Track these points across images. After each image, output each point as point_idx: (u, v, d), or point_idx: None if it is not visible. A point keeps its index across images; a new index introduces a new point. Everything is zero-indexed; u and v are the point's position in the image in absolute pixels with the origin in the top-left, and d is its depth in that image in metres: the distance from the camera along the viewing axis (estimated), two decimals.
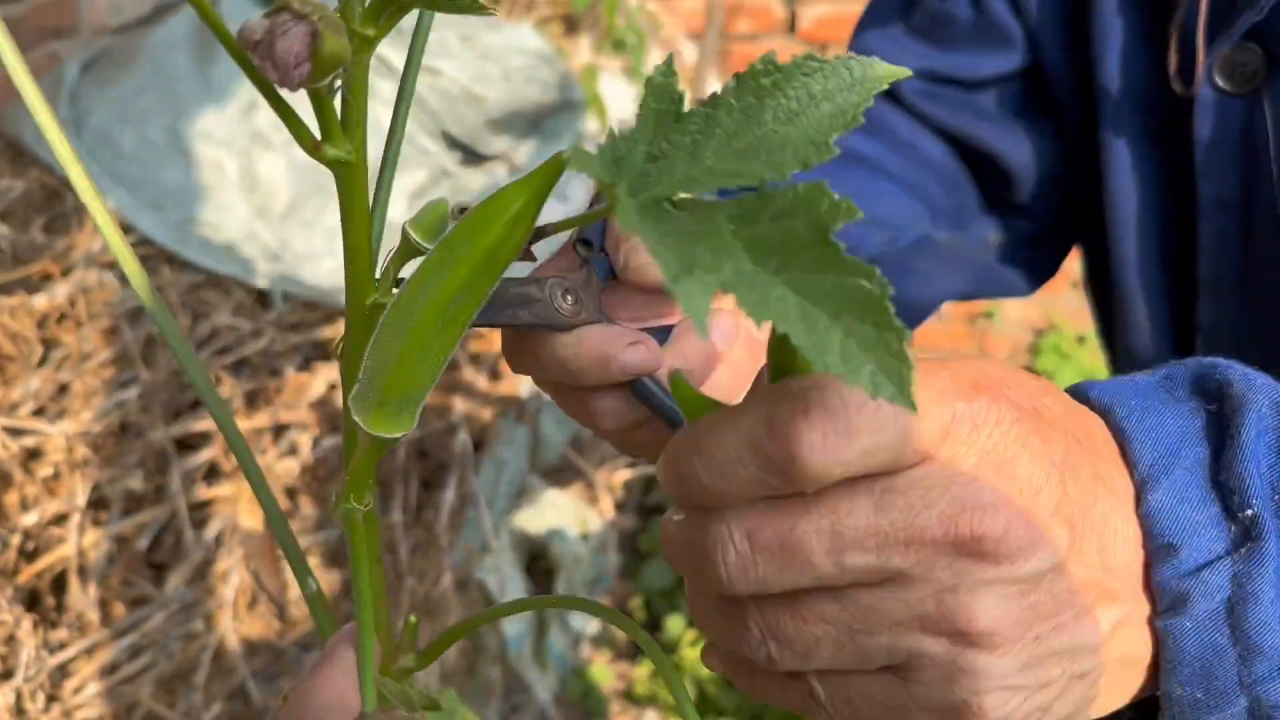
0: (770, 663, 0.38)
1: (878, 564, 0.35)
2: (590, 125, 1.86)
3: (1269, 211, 0.60)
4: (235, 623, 1.35)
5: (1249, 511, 0.38)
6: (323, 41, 0.34)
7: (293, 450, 1.41)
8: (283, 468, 1.39)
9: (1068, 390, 0.42)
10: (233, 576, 1.36)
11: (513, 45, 1.65)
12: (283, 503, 1.39)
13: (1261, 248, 0.62)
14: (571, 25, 2.06)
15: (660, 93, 0.36)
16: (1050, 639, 0.37)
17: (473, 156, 1.67)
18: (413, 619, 0.47)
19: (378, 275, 0.41)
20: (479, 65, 1.60)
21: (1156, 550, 0.38)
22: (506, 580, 1.41)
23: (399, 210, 1.52)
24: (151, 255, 1.49)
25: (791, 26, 2.41)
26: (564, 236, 0.45)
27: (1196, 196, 0.64)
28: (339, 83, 0.36)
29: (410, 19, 0.44)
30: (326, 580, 1.38)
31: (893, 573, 0.36)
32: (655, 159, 0.36)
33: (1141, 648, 0.39)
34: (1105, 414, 0.40)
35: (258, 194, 1.51)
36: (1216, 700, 0.38)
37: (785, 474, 0.35)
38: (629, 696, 1.61)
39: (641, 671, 1.62)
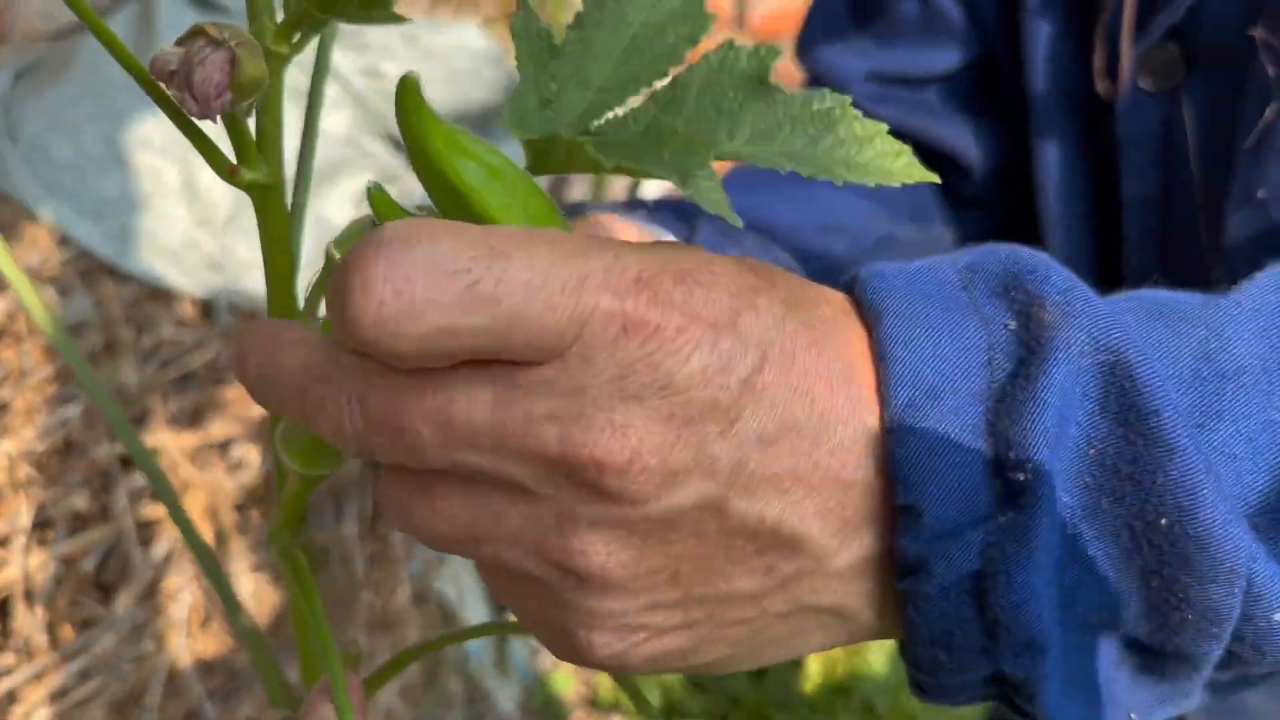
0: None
1: (493, 468, 0.31)
2: None
3: (1188, 209, 0.60)
4: (188, 641, 1.32)
5: (1021, 476, 0.31)
6: (241, 67, 0.32)
7: (240, 465, 1.38)
8: (232, 483, 1.36)
9: (855, 277, 0.35)
10: (184, 594, 1.33)
11: (458, 45, 1.63)
12: (232, 519, 1.36)
13: (1181, 245, 0.62)
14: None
15: (527, 36, 0.34)
16: (692, 584, 0.33)
17: None
18: (355, 651, 0.46)
19: (301, 301, 0.39)
20: (423, 66, 1.58)
21: (896, 509, 0.33)
22: (465, 590, 1.39)
23: (345, 216, 1.49)
24: (92, 269, 1.46)
25: (741, 22, 2.40)
26: None
27: (1120, 195, 0.63)
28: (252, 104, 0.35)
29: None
30: (280, 594, 1.35)
31: (512, 482, 0.31)
32: (549, 101, 0.34)
33: (835, 598, 0.34)
34: (874, 323, 0.34)
35: (199, 203, 1.47)
36: (960, 664, 0.34)
37: (354, 344, 0.29)
38: (593, 704, 1.60)
39: (605, 678, 1.61)
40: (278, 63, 0.35)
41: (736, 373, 0.31)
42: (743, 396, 0.31)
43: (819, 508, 0.32)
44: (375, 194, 0.33)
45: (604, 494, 0.30)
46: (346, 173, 1.51)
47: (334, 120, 1.51)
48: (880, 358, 0.33)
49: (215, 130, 0.35)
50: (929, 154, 0.74)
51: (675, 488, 0.31)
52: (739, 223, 0.32)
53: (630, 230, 0.47)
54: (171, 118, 0.33)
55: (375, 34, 1.56)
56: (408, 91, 0.31)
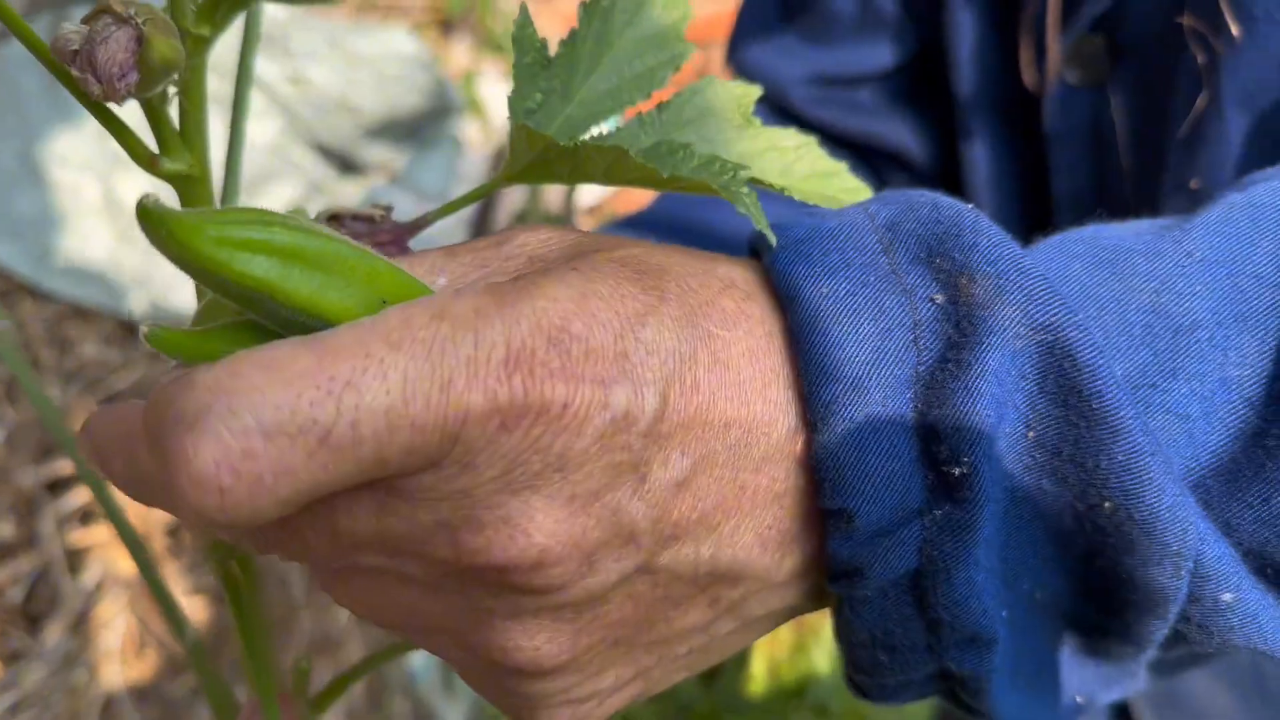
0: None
1: (395, 568, 0.29)
2: (470, 130, 1.81)
3: (1120, 203, 0.59)
4: (122, 670, 1.27)
5: (957, 470, 0.29)
6: (150, 47, 0.30)
7: None
8: None
9: (766, 244, 0.33)
10: (117, 623, 1.28)
11: (386, 51, 1.60)
12: (164, 543, 1.32)
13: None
14: (448, 28, 2.01)
15: (524, 46, 0.34)
16: (635, 640, 0.31)
17: (348, 167, 1.61)
18: (304, 665, 0.43)
19: None
20: (351, 73, 1.55)
21: (826, 513, 0.30)
22: None
23: None
24: (10, 289, 1.41)
25: None
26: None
27: (1051, 191, 0.62)
28: (174, 90, 0.33)
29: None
30: (216, 618, 1.31)
31: (418, 579, 0.29)
32: (532, 112, 0.34)
33: (783, 602, 0.33)
34: (788, 304, 0.31)
35: (121, 218, 1.43)
36: (903, 664, 0.32)
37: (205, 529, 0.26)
38: None
39: None
40: (199, 45, 0.33)
41: (636, 427, 0.28)
42: (648, 448, 0.28)
43: (755, 531, 0.30)
44: (154, 333, 0.28)
45: (516, 589, 0.28)
46: (274, 183, 1.48)
47: (260, 129, 1.48)
48: (798, 346, 0.30)
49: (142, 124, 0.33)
50: (870, 153, 0.73)
51: (595, 568, 0.28)
52: (773, 239, 0.31)
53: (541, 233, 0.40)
54: (86, 105, 0.31)
55: (299, 40, 1.53)
56: (145, 214, 0.27)
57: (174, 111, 0.34)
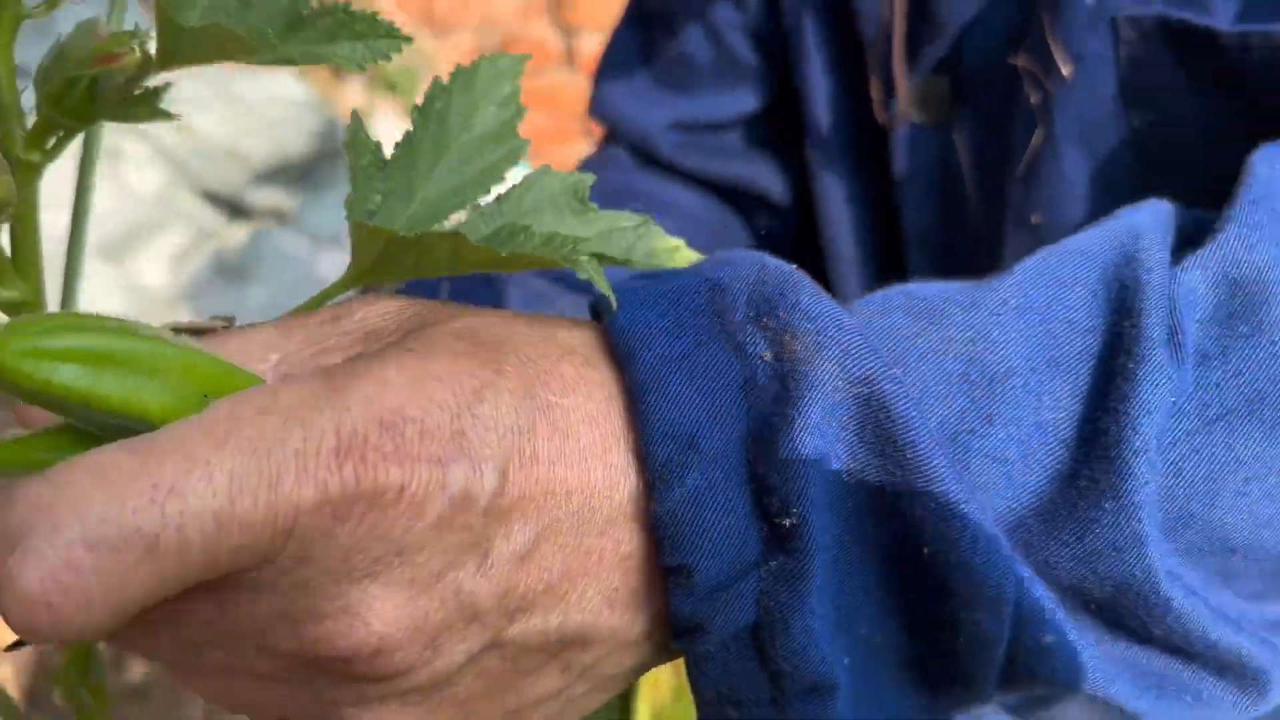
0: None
1: (240, 664, 0.29)
2: None
3: (966, 241, 0.60)
4: None
5: (787, 522, 0.30)
6: None
7: None
8: None
9: (605, 307, 0.33)
10: None
11: (273, 95, 1.58)
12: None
13: (962, 277, 0.62)
14: (339, 68, 2.00)
15: (359, 149, 0.35)
16: (490, 712, 0.31)
17: (238, 212, 1.58)
18: None
19: None
20: (237, 118, 1.52)
21: (667, 570, 0.31)
22: None
23: (159, 278, 1.43)
24: None
25: (570, 58, 2.40)
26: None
27: (903, 229, 0.63)
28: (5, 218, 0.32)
29: None
30: None
31: (264, 673, 0.29)
32: (373, 213, 0.35)
33: (638, 659, 0.33)
34: (625, 364, 0.31)
35: None
36: (750, 718, 0.33)
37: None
38: None
39: None
40: (30, 173, 0.32)
41: (476, 506, 0.28)
42: (489, 525, 0.28)
43: (602, 594, 0.31)
44: None
45: (360, 678, 0.28)
46: (160, 232, 1.44)
47: (145, 179, 1.45)
48: (635, 408, 0.31)
49: None
50: (738, 196, 0.74)
51: (440, 650, 0.28)
52: (614, 302, 0.32)
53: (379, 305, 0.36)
54: None
55: (185, 87, 1.51)
56: None
57: (4, 238, 0.33)
